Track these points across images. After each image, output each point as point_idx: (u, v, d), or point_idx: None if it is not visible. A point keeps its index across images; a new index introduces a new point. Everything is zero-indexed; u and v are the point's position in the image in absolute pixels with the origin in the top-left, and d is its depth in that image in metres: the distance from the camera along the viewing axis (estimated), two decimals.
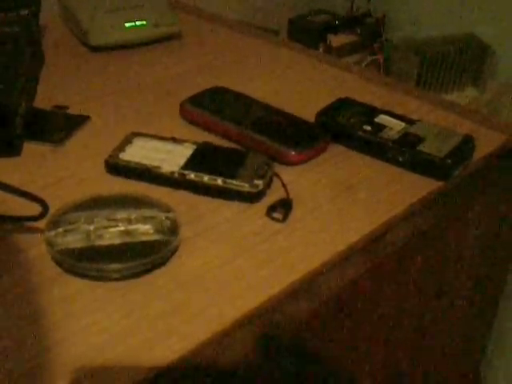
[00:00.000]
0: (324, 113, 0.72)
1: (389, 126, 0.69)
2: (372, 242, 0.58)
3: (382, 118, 0.70)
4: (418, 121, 0.70)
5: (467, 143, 0.67)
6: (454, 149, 0.66)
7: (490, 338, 0.94)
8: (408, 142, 0.67)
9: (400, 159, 0.66)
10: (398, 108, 0.77)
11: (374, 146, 0.68)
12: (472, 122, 0.76)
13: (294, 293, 0.53)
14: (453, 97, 1.36)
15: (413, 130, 0.69)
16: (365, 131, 0.68)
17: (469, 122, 0.76)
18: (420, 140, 0.67)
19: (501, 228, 0.77)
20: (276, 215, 0.60)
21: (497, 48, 1.41)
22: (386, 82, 0.84)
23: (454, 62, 1.36)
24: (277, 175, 0.64)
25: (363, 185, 0.64)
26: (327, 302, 0.53)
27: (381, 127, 0.69)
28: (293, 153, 0.66)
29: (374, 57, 1.43)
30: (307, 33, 1.42)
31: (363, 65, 1.40)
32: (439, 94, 1.36)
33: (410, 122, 0.70)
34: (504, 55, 1.41)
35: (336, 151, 0.69)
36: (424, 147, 0.66)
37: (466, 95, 1.37)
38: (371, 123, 0.70)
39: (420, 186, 0.64)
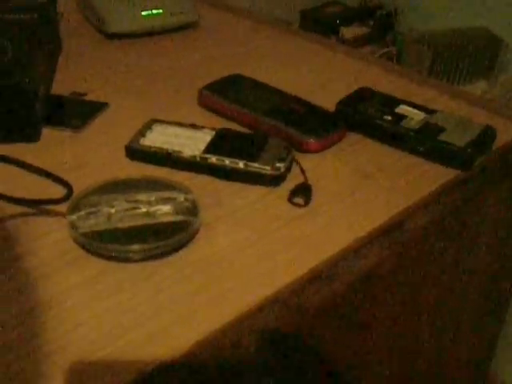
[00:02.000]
0: (344, 102, 0.72)
1: (409, 116, 0.69)
2: (392, 229, 0.59)
3: (403, 108, 0.70)
4: (439, 111, 0.70)
5: (488, 133, 0.68)
6: (475, 139, 0.66)
7: (501, 329, 0.95)
8: (429, 132, 0.67)
9: (421, 149, 0.66)
10: (413, 98, 0.77)
11: (395, 136, 0.68)
12: (488, 112, 0.76)
13: (314, 278, 0.53)
14: (464, 89, 1.36)
15: (433, 120, 0.69)
16: (385, 121, 0.68)
17: (485, 112, 0.76)
18: (441, 130, 0.67)
19: None
20: (297, 200, 0.60)
21: (509, 41, 1.41)
22: (401, 72, 0.84)
23: (466, 55, 1.36)
24: (295, 160, 0.64)
25: (381, 173, 0.65)
26: (347, 288, 0.53)
27: (401, 117, 0.69)
28: (311, 140, 0.66)
29: (386, 49, 1.42)
30: (319, 25, 1.42)
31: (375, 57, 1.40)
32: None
33: (430, 112, 0.70)
34: None
35: (353, 139, 0.70)
36: (445, 137, 0.66)
37: (477, 88, 1.37)
38: (392, 113, 0.70)
39: (438, 175, 0.65)
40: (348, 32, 1.41)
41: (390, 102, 0.72)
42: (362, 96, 0.73)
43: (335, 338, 0.57)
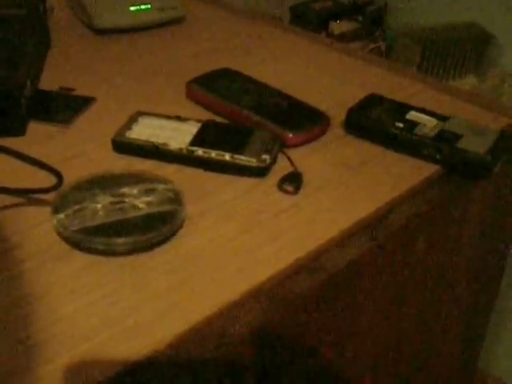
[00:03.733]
0: (355, 110, 0.70)
1: (422, 123, 0.68)
2: (376, 222, 0.59)
3: (413, 115, 0.69)
4: (451, 117, 0.69)
5: (504, 139, 0.67)
6: (493, 145, 0.65)
7: (489, 323, 0.95)
8: (446, 139, 0.65)
9: (438, 157, 0.65)
10: (401, 92, 0.78)
11: (410, 144, 0.66)
12: (474, 105, 0.76)
13: (299, 269, 0.53)
14: (454, 84, 1.36)
15: (447, 126, 0.67)
16: (399, 129, 0.67)
17: (471, 106, 0.76)
18: (457, 137, 0.66)
19: (502, 209, 0.78)
20: (287, 188, 0.61)
21: (498, 36, 1.41)
22: (389, 66, 0.85)
23: (456, 50, 1.36)
24: (282, 151, 0.65)
25: (366, 166, 0.65)
26: (331, 280, 0.54)
27: (414, 124, 0.68)
28: (290, 135, 0.67)
29: (375, 44, 1.43)
30: (309, 20, 1.43)
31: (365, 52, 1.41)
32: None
33: (442, 118, 0.69)
34: (505, 43, 1.41)
35: (337, 134, 0.70)
36: (463, 144, 0.65)
37: (466, 83, 1.37)
38: (403, 120, 0.68)
39: (421, 169, 0.65)
40: (338, 27, 1.41)
41: (400, 109, 0.71)
42: (372, 103, 0.72)
43: (320, 329, 0.57)
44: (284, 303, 0.50)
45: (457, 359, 0.91)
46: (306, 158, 0.66)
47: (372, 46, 1.43)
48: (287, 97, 0.72)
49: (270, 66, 0.84)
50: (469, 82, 1.38)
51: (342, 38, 1.41)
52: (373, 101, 0.72)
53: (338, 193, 0.61)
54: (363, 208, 0.59)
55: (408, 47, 1.36)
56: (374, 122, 0.69)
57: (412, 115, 0.69)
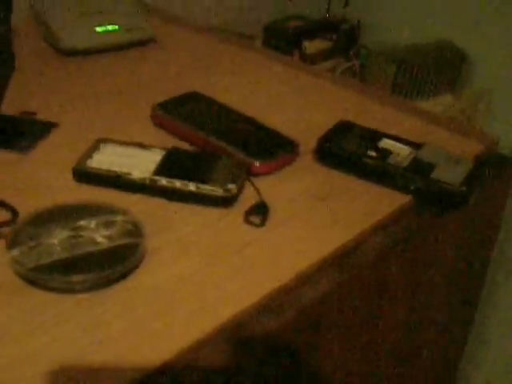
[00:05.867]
0: (326, 139, 0.68)
1: (395, 152, 0.66)
2: (346, 254, 0.57)
3: (386, 143, 0.67)
4: (424, 145, 0.67)
5: (478, 169, 0.65)
6: (468, 175, 0.63)
7: (464, 349, 0.94)
8: (419, 169, 0.64)
9: (412, 187, 0.63)
10: (371, 115, 0.76)
11: (383, 174, 0.64)
12: (447, 130, 0.75)
13: (266, 306, 0.51)
14: (428, 104, 1.36)
15: (421, 155, 0.65)
16: (371, 158, 0.65)
17: (443, 131, 0.75)
18: (431, 166, 0.64)
19: (477, 236, 0.77)
20: (254, 220, 0.59)
21: (473, 55, 1.41)
22: (359, 88, 0.83)
23: (430, 69, 1.36)
24: (249, 179, 0.63)
25: (336, 196, 0.63)
26: (300, 315, 0.52)
27: (386, 153, 0.66)
28: (257, 163, 0.65)
29: (349, 63, 1.42)
30: (282, 39, 1.41)
31: (338, 71, 1.39)
32: (414, 101, 1.35)
33: (415, 146, 0.67)
34: (480, 63, 1.41)
35: (306, 162, 0.68)
36: (437, 175, 0.63)
37: (441, 102, 1.37)
38: (375, 148, 0.66)
39: (391, 198, 0.64)
40: (311, 46, 1.40)
41: (372, 136, 0.68)
42: (343, 130, 0.69)
43: (287, 371, 0.55)
44: (249, 341, 0.48)
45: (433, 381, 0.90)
46: (274, 187, 0.64)
47: (346, 65, 1.41)
48: (255, 123, 0.70)
49: (239, 90, 0.82)
50: (443, 101, 1.37)
51: (316, 57, 1.40)
52: (344, 128, 0.70)
53: (307, 224, 0.59)
54: (333, 240, 0.58)
55: (382, 66, 1.35)
56: (346, 151, 0.66)
57: (384, 143, 0.67)
